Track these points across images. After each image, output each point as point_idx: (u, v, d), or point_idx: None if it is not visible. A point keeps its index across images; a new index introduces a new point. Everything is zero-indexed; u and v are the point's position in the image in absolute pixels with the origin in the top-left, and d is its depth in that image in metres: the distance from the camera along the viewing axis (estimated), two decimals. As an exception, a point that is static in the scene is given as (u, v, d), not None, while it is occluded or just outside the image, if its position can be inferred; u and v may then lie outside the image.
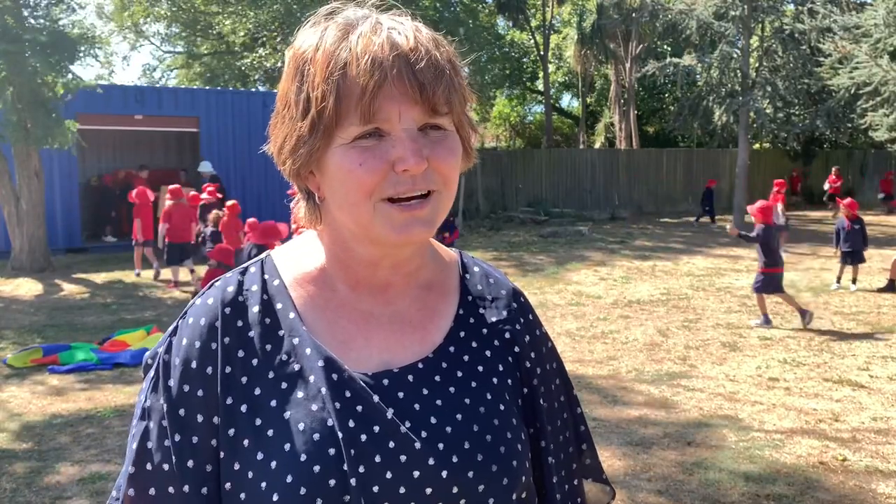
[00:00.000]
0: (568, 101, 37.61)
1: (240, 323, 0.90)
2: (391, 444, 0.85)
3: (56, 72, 11.56)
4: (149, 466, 0.88)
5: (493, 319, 0.99)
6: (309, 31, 0.89)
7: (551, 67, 31.01)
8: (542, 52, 28.18)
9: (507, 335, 0.98)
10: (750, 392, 5.82)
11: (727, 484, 4.15)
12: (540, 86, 31.35)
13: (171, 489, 0.87)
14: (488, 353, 0.96)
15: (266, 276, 0.95)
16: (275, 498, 0.82)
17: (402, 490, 0.84)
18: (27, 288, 11.10)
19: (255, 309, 0.91)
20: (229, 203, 10.92)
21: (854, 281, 10.33)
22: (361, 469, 0.83)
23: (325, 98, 0.83)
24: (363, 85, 0.82)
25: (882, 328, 7.95)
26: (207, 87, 23.41)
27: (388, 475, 0.84)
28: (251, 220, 8.92)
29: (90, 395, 5.91)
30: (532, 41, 30.00)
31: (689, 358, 6.85)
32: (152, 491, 0.88)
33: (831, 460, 4.49)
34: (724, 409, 5.44)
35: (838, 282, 10.49)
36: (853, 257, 10.20)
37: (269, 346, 0.90)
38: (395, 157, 0.83)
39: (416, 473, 0.85)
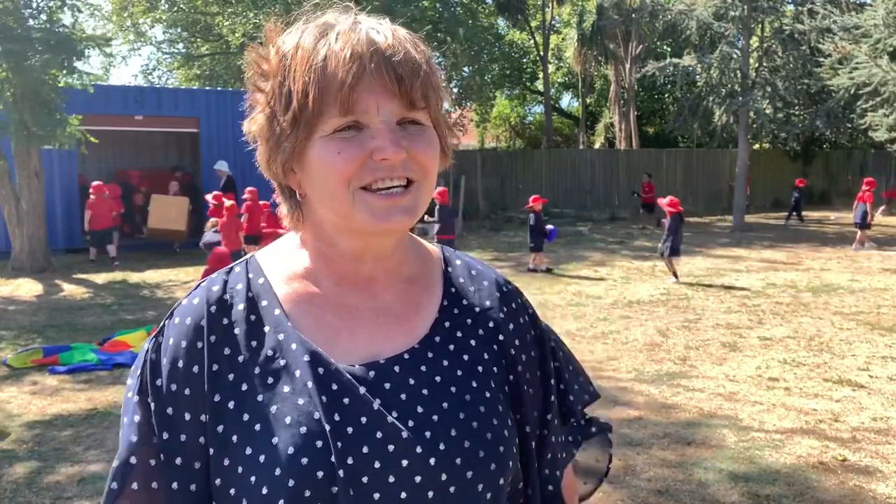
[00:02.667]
0: (568, 101, 37.64)
1: (225, 321, 0.92)
2: (379, 435, 0.86)
3: (58, 71, 11.56)
4: (133, 461, 0.90)
5: (477, 309, 1.00)
6: (290, 33, 0.91)
7: (551, 68, 31.02)
8: (541, 53, 28.18)
9: (492, 324, 1.00)
10: (750, 392, 5.82)
11: (727, 484, 4.15)
12: (540, 86, 31.36)
13: (154, 485, 0.89)
14: (473, 342, 0.97)
15: (251, 275, 0.96)
16: (264, 491, 0.83)
17: (391, 479, 0.85)
18: (27, 288, 11.10)
19: (241, 307, 0.93)
20: (228, 204, 10.95)
21: (675, 275, 11.08)
22: (350, 461, 0.84)
23: (305, 91, 0.85)
24: (342, 77, 0.84)
25: (882, 328, 7.95)
26: (207, 88, 23.43)
27: (377, 465, 0.85)
28: None
29: (90, 395, 5.92)
30: (532, 41, 30.01)
31: (689, 358, 6.85)
32: (135, 486, 0.89)
33: (831, 460, 4.49)
34: (724, 409, 5.44)
35: (676, 277, 11.07)
36: (674, 251, 10.97)
37: (254, 343, 0.91)
38: (374, 146, 0.85)
39: (405, 462, 0.86)
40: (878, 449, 4.66)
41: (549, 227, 12.38)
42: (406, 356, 0.93)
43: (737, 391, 5.85)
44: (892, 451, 4.62)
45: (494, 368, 0.97)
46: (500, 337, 1.00)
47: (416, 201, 0.89)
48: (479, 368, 0.95)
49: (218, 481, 0.87)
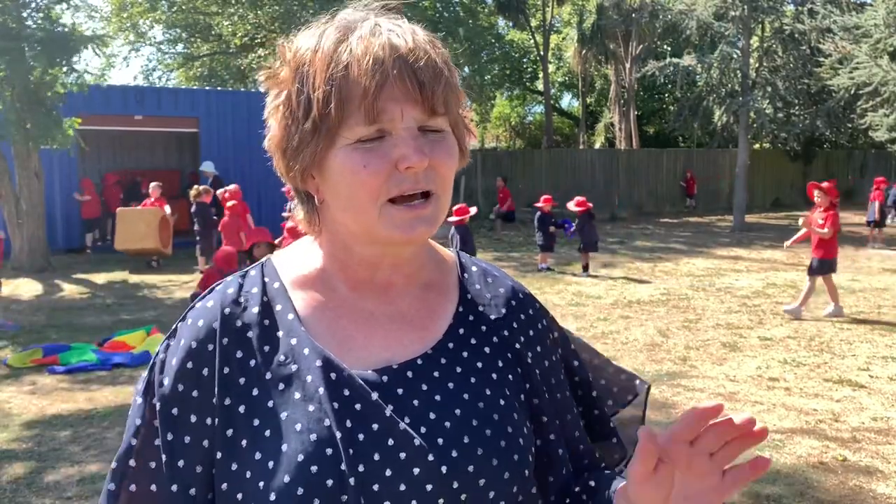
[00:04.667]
0: (568, 101, 37.66)
1: (239, 324, 0.91)
2: (390, 442, 0.85)
3: (56, 69, 11.55)
4: (132, 463, 0.89)
5: (493, 317, 0.99)
6: (306, 34, 0.89)
7: (551, 68, 31.02)
8: (542, 53, 28.18)
9: (506, 332, 0.99)
10: (750, 392, 5.81)
11: (727, 484, 4.15)
12: (540, 86, 31.36)
13: (153, 487, 0.88)
14: (487, 349, 0.96)
15: (266, 279, 0.95)
16: (272, 498, 0.83)
17: (402, 487, 0.84)
18: (27, 288, 11.10)
19: (255, 310, 0.92)
20: (230, 204, 10.95)
21: (586, 268, 11.77)
22: (361, 468, 0.83)
23: (326, 99, 0.84)
24: (365, 86, 0.83)
25: (882, 328, 7.95)
26: (207, 88, 23.43)
27: (388, 473, 0.84)
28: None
29: (90, 395, 5.92)
30: (532, 41, 30.01)
31: (689, 358, 6.85)
32: (133, 488, 0.89)
33: (831, 460, 4.48)
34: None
35: (585, 269, 11.79)
36: (588, 246, 11.71)
37: (267, 347, 0.90)
38: (398, 155, 0.84)
39: (416, 470, 0.85)
40: (878, 449, 4.66)
41: (563, 221, 12.68)
42: (419, 361, 0.92)
43: (737, 391, 5.85)
44: (892, 451, 4.62)
45: (510, 376, 0.96)
46: (516, 345, 0.98)
47: (436, 212, 0.88)
48: (494, 376, 0.94)
49: (224, 486, 0.87)
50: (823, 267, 8.33)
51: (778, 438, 4.84)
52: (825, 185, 8.63)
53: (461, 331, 0.96)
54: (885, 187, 15.04)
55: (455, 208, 10.19)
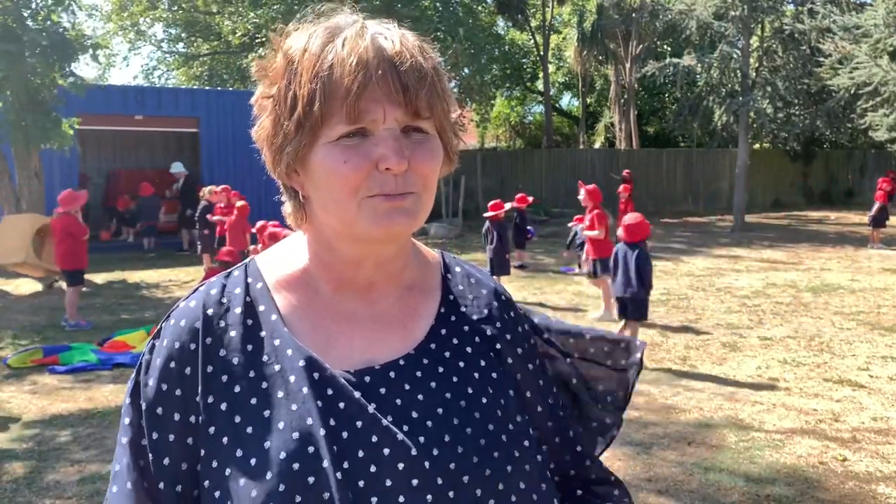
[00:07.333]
0: (568, 101, 37.61)
1: (222, 324, 0.92)
2: (374, 439, 0.86)
3: (55, 72, 11.54)
4: (125, 461, 0.91)
5: (475, 317, 1.01)
6: (297, 35, 0.91)
7: (551, 68, 31.00)
8: (542, 53, 28.17)
9: (489, 332, 1.00)
10: (750, 392, 5.82)
11: (727, 484, 4.15)
12: (540, 86, 31.34)
13: (144, 484, 0.90)
14: (469, 349, 0.98)
15: (249, 280, 0.97)
16: (253, 494, 0.84)
17: (388, 483, 0.85)
18: (27, 288, 11.10)
19: (238, 311, 0.93)
20: (239, 204, 11.02)
21: (580, 266, 11.49)
22: (346, 465, 0.84)
23: (311, 97, 0.85)
24: (348, 85, 0.84)
25: (882, 328, 7.95)
26: (207, 88, 23.42)
27: (373, 469, 0.85)
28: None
29: (90, 395, 5.92)
30: (532, 41, 30.00)
31: (689, 358, 6.85)
32: (128, 485, 0.91)
33: (831, 460, 4.49)
34: (724, 409, 5.44)
35: (579, 267, 11.51)
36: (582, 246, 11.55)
37: (250, 347, 0.91)
38: (378, 155, 0.85)
39: (401, 466, 0.86)
40: (878, 449, 4.66)
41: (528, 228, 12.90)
42: (401, 362, 0.93)
43: (737, 391, 5.85)
44: (892, 451, 4.62)
45: (493, 374, 0.97)
46: (497, 345, 1.00)
47: (417, 205, 0.89)
48: (476, 375, 0.96)
49: (206, 483, 0.88)
50: (606, 267, 8.35)
51: (778, 438, 4.84)
52: (588, 187, 8.76)
53: (443, 331, 0.98)
54: (889, 189, 14.94)
55: (490, 203, 10.11)
